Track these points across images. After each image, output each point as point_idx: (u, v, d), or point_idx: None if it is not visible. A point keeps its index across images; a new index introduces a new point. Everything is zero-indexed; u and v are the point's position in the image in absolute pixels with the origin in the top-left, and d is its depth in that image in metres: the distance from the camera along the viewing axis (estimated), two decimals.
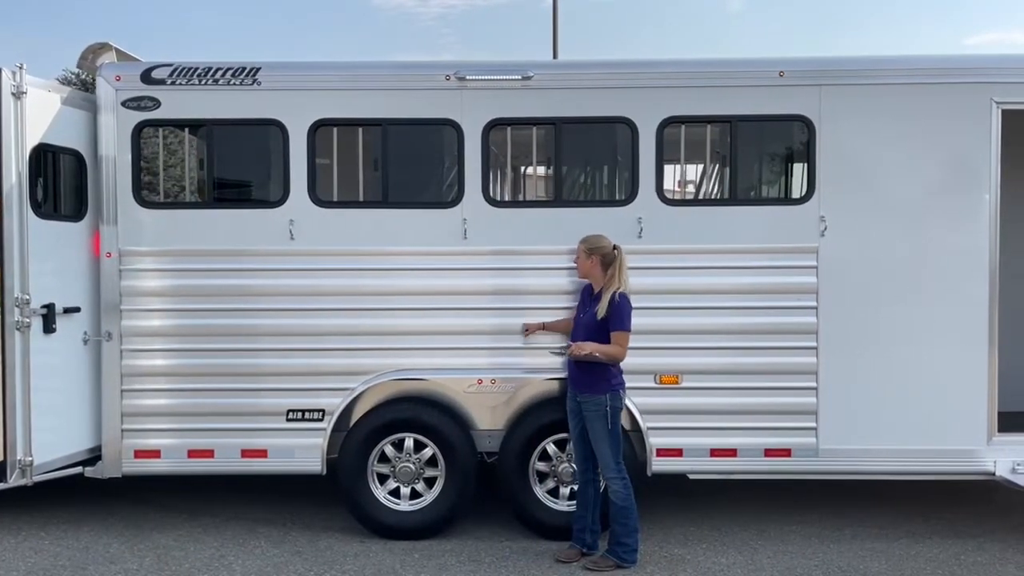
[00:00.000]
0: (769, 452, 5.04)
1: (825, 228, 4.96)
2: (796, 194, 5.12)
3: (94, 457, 5.16)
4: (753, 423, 5.03)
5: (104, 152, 5.03)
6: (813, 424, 5.02)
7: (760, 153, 5.28)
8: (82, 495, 5.70)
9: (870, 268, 4.97)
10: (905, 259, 4.97)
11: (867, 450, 5.01)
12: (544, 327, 4.99)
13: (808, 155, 4.98)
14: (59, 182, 5.09)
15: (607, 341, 4.52)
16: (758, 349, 5.01)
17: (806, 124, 4.96)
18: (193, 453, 5.09)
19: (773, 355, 5.01)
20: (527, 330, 5.00)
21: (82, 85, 14.56)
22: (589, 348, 4.49)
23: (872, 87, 4.96)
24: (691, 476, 5.12)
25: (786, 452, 5.04)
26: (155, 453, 5.09)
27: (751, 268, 4.99)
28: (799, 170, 5.17)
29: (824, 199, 4.96)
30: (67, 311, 4.99)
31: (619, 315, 4.51)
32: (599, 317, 4.52)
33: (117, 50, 5.29)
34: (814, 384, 5.00)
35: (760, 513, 5.57)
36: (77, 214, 5.13)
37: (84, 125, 5.11)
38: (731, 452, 5.04)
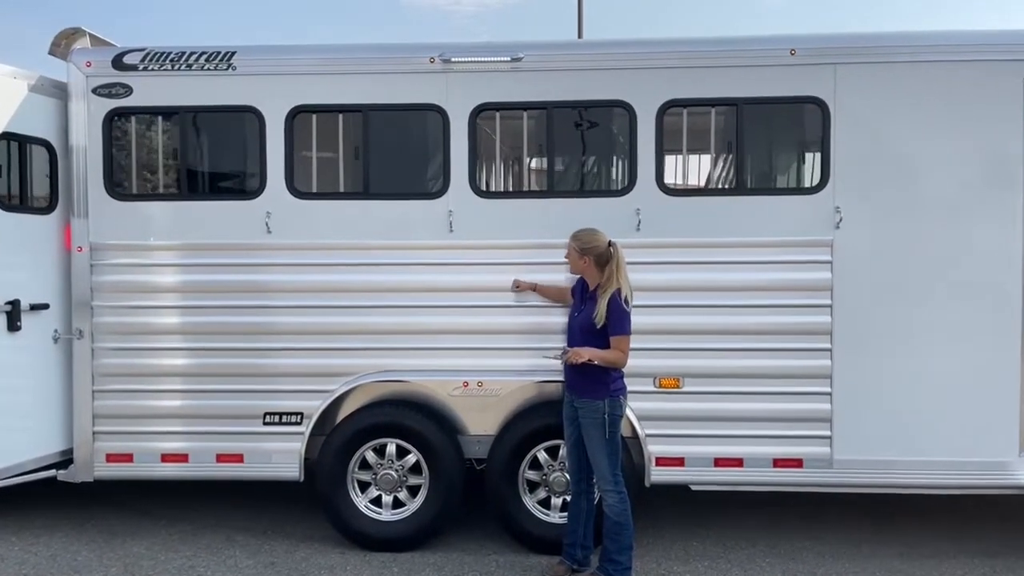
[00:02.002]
0: (778, 462, 4.67)
1: (840, 220, 4.57)
2: (809, 183, 4.73)
3: (67, 460, 4.95)
4: (761, 431, 4.65)
5: (75, 142, 4.81)
6: (827, 432, 4.63)
7: (769, 139, 4.88)
8: (64, 499, 5.50)
9: (890, 263, 4.57)
10: (928, 254, 4.56)
11: (886, 461, 4.61)
12: (536, 289, 4.67)
13: (822, 140, 4.59)
14: (27, 173, 4.87)
15: (606, 345, 4.18)
16: (767, 351, 4.64)
17: (820, 106, 4.57)
18: (166, 457, 4.86)
19: (783, 357, 4.63)
20: (517, 286, 4.69)
21: None
22: (587, 354, 4.14)
23: (892, 66, 4.55)
24: (693, 487, 4.76)
25: (797, 462, 4.66)
26: (127, 457, 4.87)
27: (759, 263, 4.61)
28: (812, 157, 4.77)
29: (839, 188, 4.57)
30: (35, 308, 4.77)
31: (618, 319, 4.15)
32: (597, 324, 4.17)
33: (91, 35, 5.06)
34: (828, 389, 4.62)
35: (770, 527, 5.19)
36: (47, 206, 4.91)
37: (54, 113, 4.88)
38: (737, 462, 4.68)
